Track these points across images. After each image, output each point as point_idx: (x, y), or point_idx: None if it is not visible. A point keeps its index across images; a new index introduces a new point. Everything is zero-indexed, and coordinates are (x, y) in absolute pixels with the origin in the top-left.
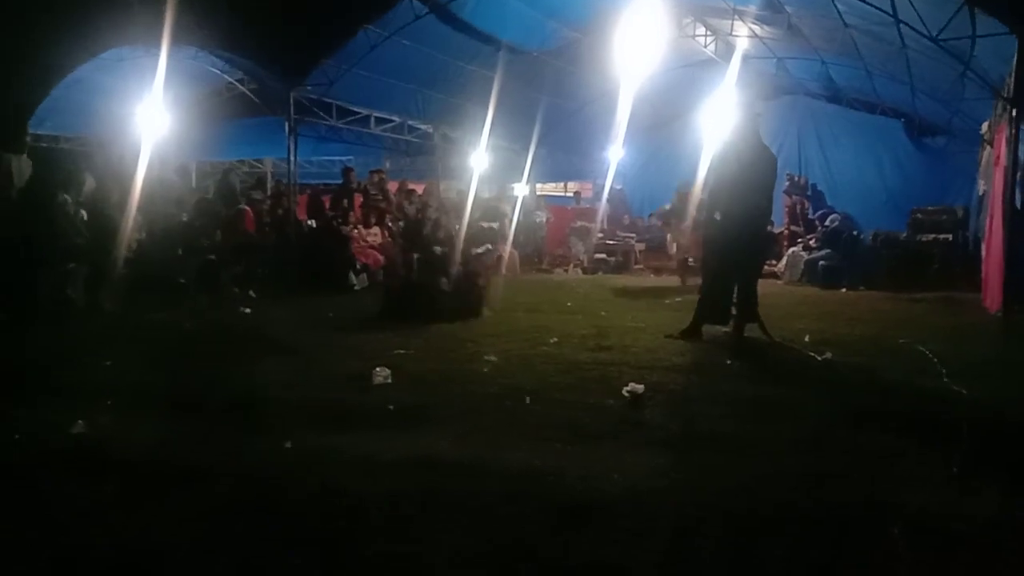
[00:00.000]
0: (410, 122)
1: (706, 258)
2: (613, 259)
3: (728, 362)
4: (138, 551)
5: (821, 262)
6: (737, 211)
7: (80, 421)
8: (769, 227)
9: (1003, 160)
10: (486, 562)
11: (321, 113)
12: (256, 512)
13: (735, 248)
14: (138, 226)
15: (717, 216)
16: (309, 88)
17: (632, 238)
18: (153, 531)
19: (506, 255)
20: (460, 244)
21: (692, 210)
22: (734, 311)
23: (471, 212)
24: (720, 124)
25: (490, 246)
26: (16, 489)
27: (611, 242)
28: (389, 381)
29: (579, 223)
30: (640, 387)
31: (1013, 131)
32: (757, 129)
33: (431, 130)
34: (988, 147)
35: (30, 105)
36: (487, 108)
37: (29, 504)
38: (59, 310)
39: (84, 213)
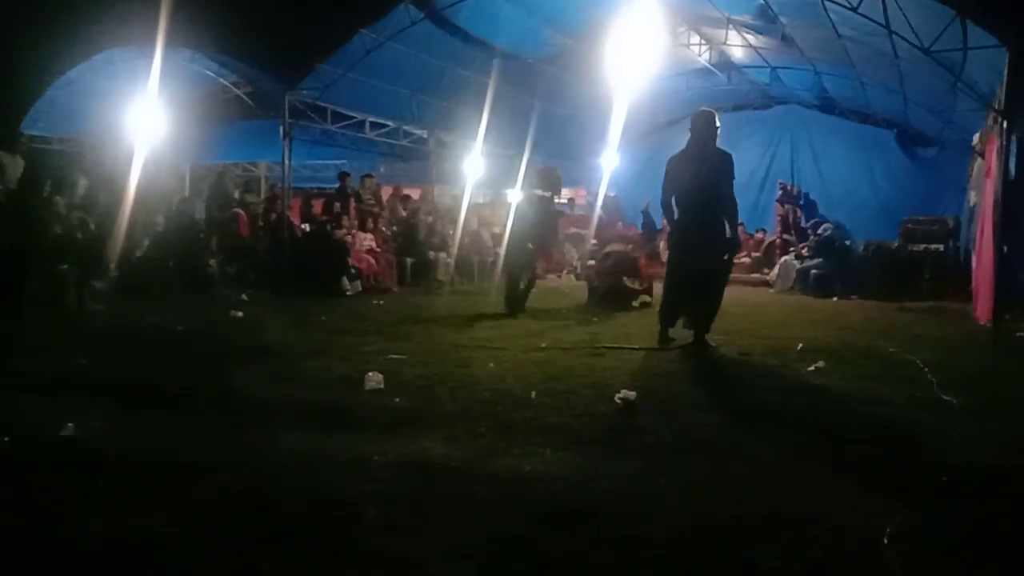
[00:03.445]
0: (405, 127)
1: (670, 265)
2: None
3: (717, 369)
4: (131, 545)
5: (813, 271)
6: (701, 219)
7: (71, 420)
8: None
9: (994, 171)
10: (478, 558)
11: (316, 117)
12: (249, 509)
13: (702, 258)
14: (143, 228)
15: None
16: (304, 92)
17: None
18: (145, 526)
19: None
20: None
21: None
22: (690, 318)
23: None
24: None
25: (531, 245)
26: (9, 484)
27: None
28: (381, 387)
29: (573, 230)
30: (632, 394)
31: (1003, 142)
32: (711, 133)
33: (426, 135)
34: (979, 158)
35: (24, 105)
36: (482, 113)
37: (21, 498)
38: (50, 311)
39: (78, 214)
